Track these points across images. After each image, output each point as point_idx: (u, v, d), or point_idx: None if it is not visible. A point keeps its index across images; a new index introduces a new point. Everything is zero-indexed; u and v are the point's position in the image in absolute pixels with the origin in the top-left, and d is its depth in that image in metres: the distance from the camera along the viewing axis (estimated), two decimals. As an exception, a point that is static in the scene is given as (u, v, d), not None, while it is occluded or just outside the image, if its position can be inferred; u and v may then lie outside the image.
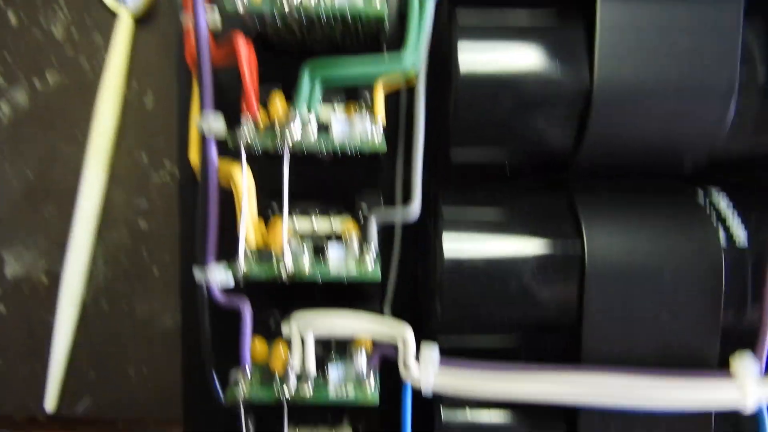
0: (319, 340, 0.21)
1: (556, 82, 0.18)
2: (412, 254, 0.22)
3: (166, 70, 0.24)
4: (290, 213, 0.21)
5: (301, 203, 0.22)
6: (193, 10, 0.17)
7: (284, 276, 0.18)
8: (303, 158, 0.23)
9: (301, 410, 0.23)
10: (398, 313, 0.21)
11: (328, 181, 0.24)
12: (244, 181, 0.18)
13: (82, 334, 0.26)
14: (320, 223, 0.21)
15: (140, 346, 0.26)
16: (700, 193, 0.20)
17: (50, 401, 0.26)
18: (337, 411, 0.23)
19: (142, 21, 0.24)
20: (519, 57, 0.18)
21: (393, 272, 0.21)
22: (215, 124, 0.18)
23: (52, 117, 0.25)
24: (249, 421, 0.20)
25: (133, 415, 0.27)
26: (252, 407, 0.21)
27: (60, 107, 0.25)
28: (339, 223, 0.20)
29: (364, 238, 0.19)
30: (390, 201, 0.23)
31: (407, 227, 0.22)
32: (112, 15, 0.24)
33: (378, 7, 0.17)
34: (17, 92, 0.25)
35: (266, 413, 0.22)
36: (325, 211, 0.21)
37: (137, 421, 0.27)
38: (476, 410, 0.20)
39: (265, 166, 0.21)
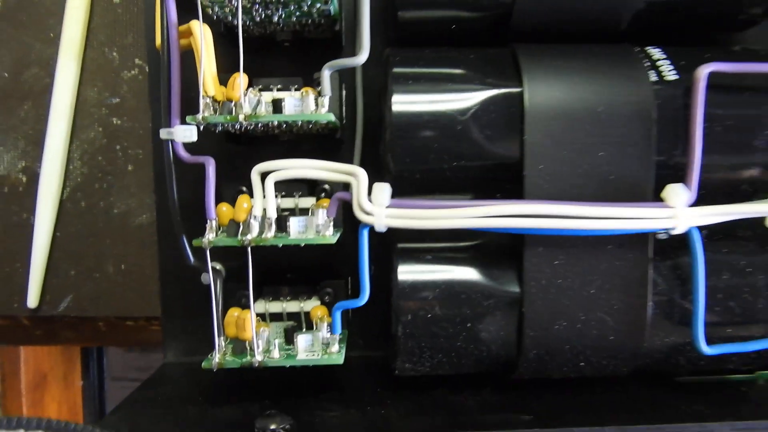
0: (282, 209, 0.22)
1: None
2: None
3: (133, -33, 0.26)
4: (251, 85, 0.22)
5: (264, 81, 0.23)
6: None
7: (242, 118, 0.19)
8: (264, 40, 0.24)
9: (274, 286, 0.24)
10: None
11: (289, 66, 0.25)
12: (200, 29, 0.19)
13: (60, 232, 0.27)
14: (280, 94, 0.22)
15: (118, 243, 0.27)
16: (635, 47, 0.21)
17: (32, 300, 0.27)
18: (308, 289, 0.24)
19: None
20: None
21: (359, 128, 0.22)
22: (173, -20, 0.19)
23: (24, 17, 0.26)
24: (217, 280, 0.21)
25: (113, 313, 0.28)
26: (222, 276, 0.22)
27: (32, 7, 0.26)
28: (298, 94, 0.21)
29: (319, 93, 0.20)
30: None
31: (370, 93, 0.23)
32: None
33: None
34: (-10, -6, 0.26)
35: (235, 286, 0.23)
36: (286, 89, 0.22)
37: (118, 319, 0.28)
38: (431, 263, 0.21)
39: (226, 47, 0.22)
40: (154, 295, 0.27)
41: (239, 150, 0.25)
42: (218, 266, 0.22)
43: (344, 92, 0.24)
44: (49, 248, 0.27)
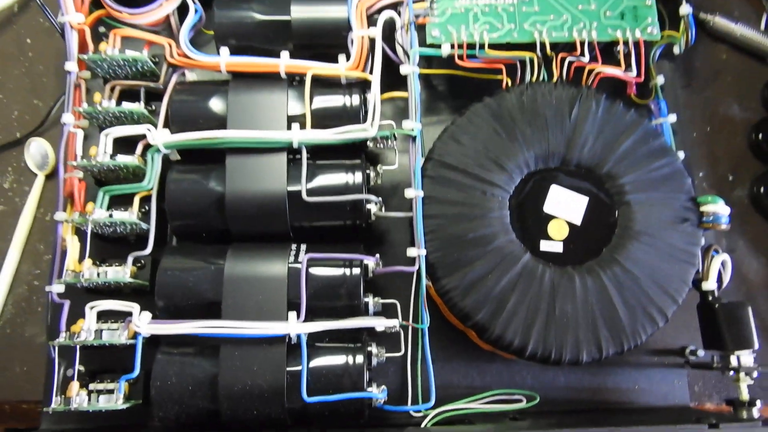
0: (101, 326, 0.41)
1: (208, 196, 0.41)
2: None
3: (59, 202, 0.48)
4: (105, 262, 0.43)
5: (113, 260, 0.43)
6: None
7: (83, 282, 0.39)
8: (118, 240, 0.45)
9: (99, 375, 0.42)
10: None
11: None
12: (69, 241, 0.40)
13: (-7, 349, 0.46)
14: (113, 268, 0.42)
15: (25, 354, 0.46)
16: (294, 245, 0.42)
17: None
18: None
19: (50, 176, 0.48)
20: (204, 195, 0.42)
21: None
22: (60, 216, 0.41)
23: (-4, 231, 0.48)
24: (62, 366, 0.39)
25: (15, 399, 0.45)
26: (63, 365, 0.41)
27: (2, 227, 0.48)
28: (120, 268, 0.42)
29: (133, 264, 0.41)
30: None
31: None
32: (34, 174, 0.48)
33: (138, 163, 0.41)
34: (-20, 215, 0.48)
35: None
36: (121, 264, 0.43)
37: (18, 403, 0.45)
38: (178, 356, 0.40)
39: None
40: (41, 386, 0.45)
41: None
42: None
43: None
44: (-18, 358, 0.45)
